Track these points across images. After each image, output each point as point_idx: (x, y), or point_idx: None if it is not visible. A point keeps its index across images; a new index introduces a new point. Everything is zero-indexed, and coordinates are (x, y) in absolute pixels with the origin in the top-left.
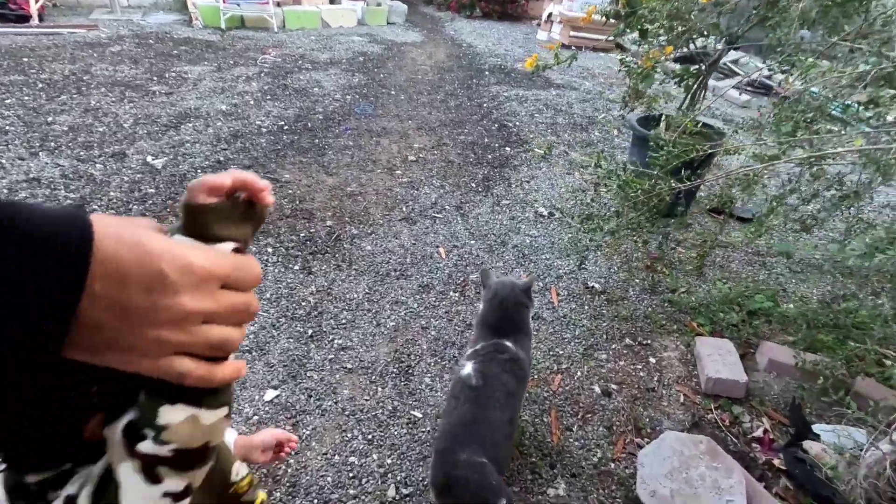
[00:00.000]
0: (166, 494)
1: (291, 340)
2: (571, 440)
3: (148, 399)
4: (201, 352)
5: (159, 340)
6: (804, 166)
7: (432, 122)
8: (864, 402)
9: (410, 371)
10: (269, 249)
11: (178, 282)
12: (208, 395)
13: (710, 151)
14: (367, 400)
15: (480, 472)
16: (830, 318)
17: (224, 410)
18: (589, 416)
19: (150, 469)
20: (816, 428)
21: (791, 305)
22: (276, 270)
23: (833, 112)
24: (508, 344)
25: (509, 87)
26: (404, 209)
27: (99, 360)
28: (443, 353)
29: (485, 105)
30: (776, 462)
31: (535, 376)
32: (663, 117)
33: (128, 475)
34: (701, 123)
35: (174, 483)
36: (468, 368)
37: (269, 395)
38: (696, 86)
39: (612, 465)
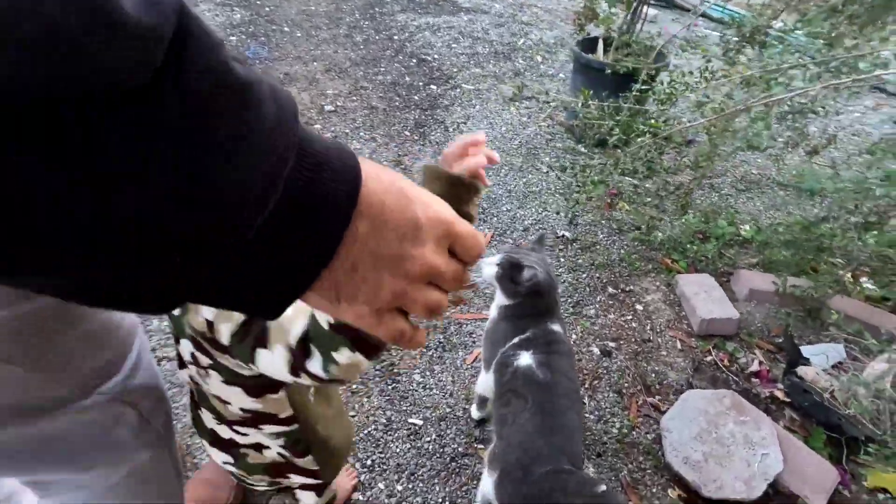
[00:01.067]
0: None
1: None
2: (587, 414)
3: (333, 333)
4: (419, 312)
5: (396, 292)
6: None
7: (341, 61)
8: (843, 320)
9: (395, 370)
10: None
11: (428, 233)
12: (379, 352)
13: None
14: (353, 417)
15: (570, 474)
16: (812, 241)
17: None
18: (596, 382)
19: (296, 371)
20: (804, 350)
21: (747, 227)
22: None
23: (770, 32)
24: (558, 329)
25: (416, 14)
26: None
27: (333, 310)
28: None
29: (396, 38)
30: (778, 394)
31: None
32: (599, 40)
33: (278, 354)
34: (637, 42)
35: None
36: (527, 359)
37: None
38: (636, 2)
39: (634, 434)
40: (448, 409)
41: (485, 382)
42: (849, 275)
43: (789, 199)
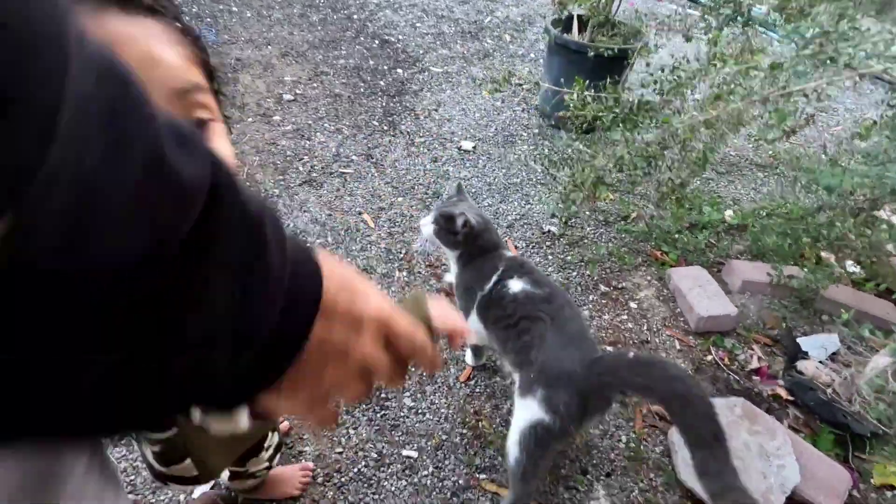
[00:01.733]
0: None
1: None
2: (591, 429)
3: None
4: (347, 400)
5: (334, 383)
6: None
7: (298, 44)
8: (836, 308)
9: (382, 392)
10: None
11: (368, 326)
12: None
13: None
14: (339, 453)
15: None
16: (810, 232)
17: None
18: None
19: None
20: (801, 341)
21: (731, 213)
22: None
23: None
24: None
25: None
26: (301, 168)
27: (272, 404)
28: None
29: (355, 17)
30: (780, 391)
31: None
32: (575, 18)
33: None
34: (616, 22)
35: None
36: (519, 284)
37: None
38: None
39: (642, 447)
40: (444, 437)
41: (474, 332)
42: (833, 258)
43: (768, 182)
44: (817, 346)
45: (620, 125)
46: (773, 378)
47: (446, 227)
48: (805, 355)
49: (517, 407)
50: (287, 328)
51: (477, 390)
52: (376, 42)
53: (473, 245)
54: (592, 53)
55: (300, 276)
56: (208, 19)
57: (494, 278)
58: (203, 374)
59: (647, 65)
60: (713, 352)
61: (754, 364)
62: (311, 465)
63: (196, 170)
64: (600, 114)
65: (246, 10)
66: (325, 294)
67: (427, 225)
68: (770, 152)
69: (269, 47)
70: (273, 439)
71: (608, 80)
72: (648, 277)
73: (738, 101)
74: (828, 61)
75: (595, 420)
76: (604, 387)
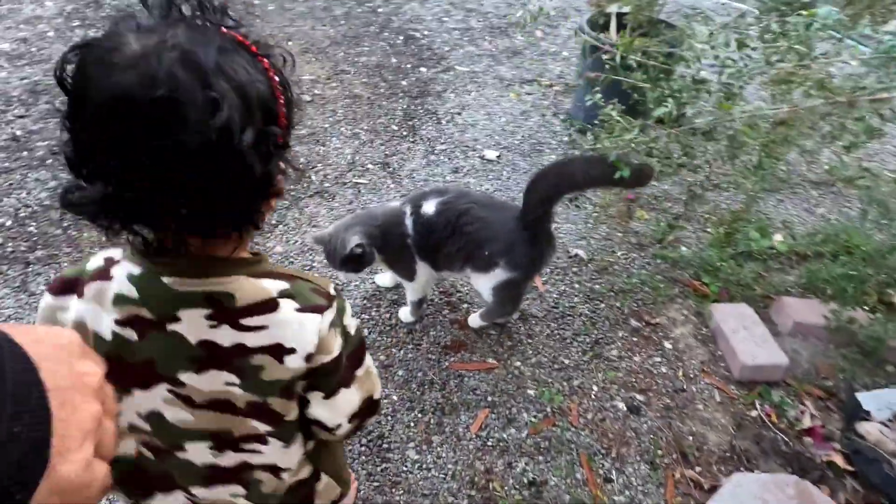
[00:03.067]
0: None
1: None
2: (615, 495)
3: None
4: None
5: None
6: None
7: (319, 40)
8: None
9: (384, 443)
10: None
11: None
12: None
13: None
14: None
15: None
16: (881, 273)
17: None
18: (623, 449)
19: None
20: (859, 397)
21: (780, 237)
22: None
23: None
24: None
25: None
26: (313, 178)
27: None
28: (421, 400)
29: (380, 10)
30: (836, 458)
31: (549, 410)
32: (613, 16)
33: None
34: (658, 21)
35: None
36: (431, 206)
37: None
38: None
39: None
40: (451, 499)
41: (424, 284)
42: None
43: (823, 201)
44: (881, 404)
45: (668, 101)
46: (828, 441)
47: (346, 261)
48: (866, 415)
49: (483, 279)
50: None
51: (489, 443)
52: (401, 38)
53: (381, 247)
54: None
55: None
56: (229, 11)
57: (409, 221)
58: None
59: (711, 34)
60: (758, 406)
61: (806, 422)
62: None
63: None
64: (643, 85)
65: (268, 2)
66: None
67: (345, 274)
68: (826, 167)
69: (290, 43)
70: None
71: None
72: (685, 312)
73: (821, 97)
74: None
75: (551, 256)
76: (540, 221)
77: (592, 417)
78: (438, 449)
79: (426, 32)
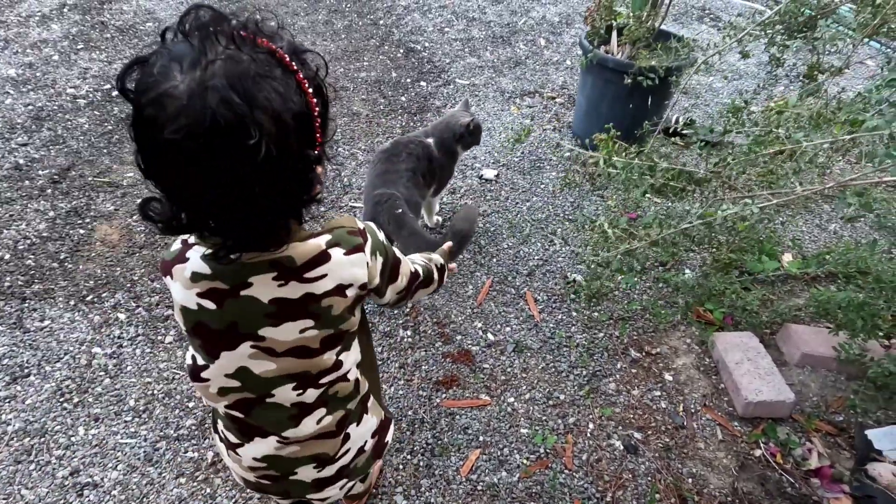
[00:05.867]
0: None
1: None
2: None
3: None
4: None
5: None
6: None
7: (320, 55)
8: None
9: (372, 489)
10: (121, 316)
11: None
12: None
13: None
14: None
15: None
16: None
17: None
18: (620, 493)
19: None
20: (871, 434)
21: (789, 257)
22: (138, 350)
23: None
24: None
25: None
26: None
27: None
28: (411, 441)
29: (381, 22)
30: (845, 502)
31: (542, 450)
32: (614, 26)
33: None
34: (657, 31)
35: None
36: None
37: None
38: None
39: None
40: None
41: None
42: None
43: (835, 217)
44: (893, 441)
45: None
46: (837, 482)
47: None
48: (878, 454)
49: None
50: None
51: (479, 487)
52: (401, 51)
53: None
54: (629, 80)
55: None
56: None
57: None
58: None
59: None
60: (762, 445)
61: (814, 462)
62: None
63: None
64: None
65: (270, 18)
66: None
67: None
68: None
69: None
70: None
71: (650, 102)
72: (688, 340)
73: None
74: None
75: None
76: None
77: (587, 458)
78: (427, 493)
79: (427, 44)
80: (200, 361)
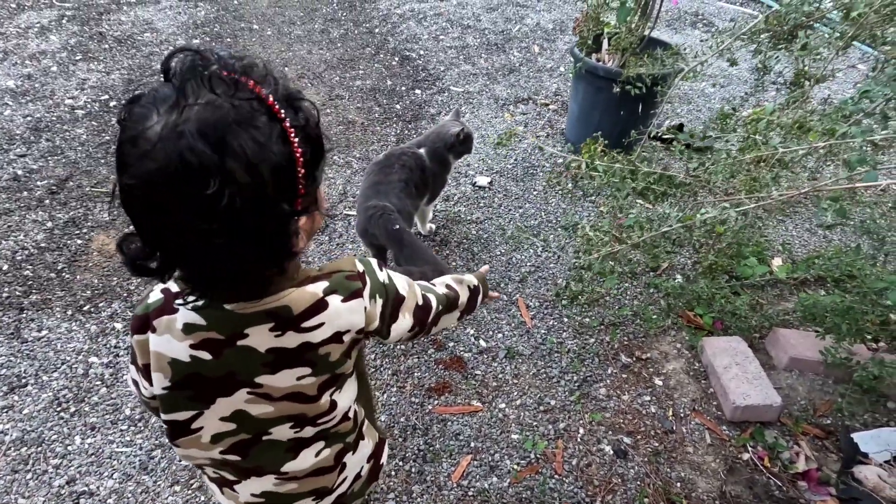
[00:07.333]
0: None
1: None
2: None
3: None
4: None
5: None
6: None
7: (316, 65)
8: None
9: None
10: (118, 325)
11: None
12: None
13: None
14: None
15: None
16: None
17: None
18: (609, 497)
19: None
20: (857, 437)
21: (779, 261)
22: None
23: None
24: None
25: None
26: None
27: None
28: (403, 447)
29: (377, 31)
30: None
31: (532, 456)
32: (604, 35)
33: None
34: (646, 39)
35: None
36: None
37: None
38: None
39: None
40: None
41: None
42: None
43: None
44: (880, 444)
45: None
46: (824, 484)
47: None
48: (864, 457)
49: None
50: None
51: (470, 493)
52: (396, 59)
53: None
54: (617, 88)
55: None
56: (228, 38)
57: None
58: None
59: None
60: (750, 448)
61: (801, 465)
62: None
63: None
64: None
65: (267, 27)
66: None
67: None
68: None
69: (286, 68)
70: None
71: (640, 109)
72: (678, 345)
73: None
74: None
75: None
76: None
77: (577, 463)
78: (419, 500)
79: (422, 52)
80: (185, 416)
